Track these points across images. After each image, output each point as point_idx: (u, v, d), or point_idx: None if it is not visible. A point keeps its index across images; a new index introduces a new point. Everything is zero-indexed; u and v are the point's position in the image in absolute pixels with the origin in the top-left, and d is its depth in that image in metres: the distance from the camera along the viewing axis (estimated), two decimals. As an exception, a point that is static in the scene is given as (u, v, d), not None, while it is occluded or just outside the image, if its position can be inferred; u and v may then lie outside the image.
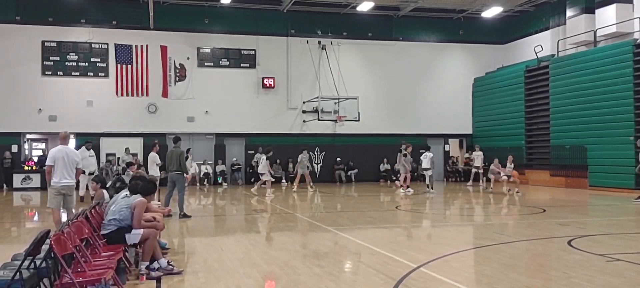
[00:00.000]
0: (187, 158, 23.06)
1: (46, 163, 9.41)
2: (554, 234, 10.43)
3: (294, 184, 22.58)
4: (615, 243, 9.45)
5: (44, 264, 5.25)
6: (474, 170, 21.31)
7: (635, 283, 6.64)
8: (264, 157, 19.95)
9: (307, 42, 27.33)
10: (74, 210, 9.15)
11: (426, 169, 20.81)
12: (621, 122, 20.09)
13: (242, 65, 26.74)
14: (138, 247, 7.34)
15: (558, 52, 24.32)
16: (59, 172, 9.18)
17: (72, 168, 9.29)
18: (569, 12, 24.02)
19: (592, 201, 17.77)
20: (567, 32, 24.03)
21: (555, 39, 24.81)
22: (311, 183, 22.45)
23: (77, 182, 10.07)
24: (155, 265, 6.96)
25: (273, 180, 20.71)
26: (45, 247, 5.29)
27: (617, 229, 11.25)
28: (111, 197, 8.63)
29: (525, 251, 9.00)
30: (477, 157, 20.76)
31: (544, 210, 14.54)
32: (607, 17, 21.68)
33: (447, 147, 29.40)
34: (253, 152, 26.08)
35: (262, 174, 19.91)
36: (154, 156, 15.30)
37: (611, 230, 11.05)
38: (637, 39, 20.23)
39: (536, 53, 25.05)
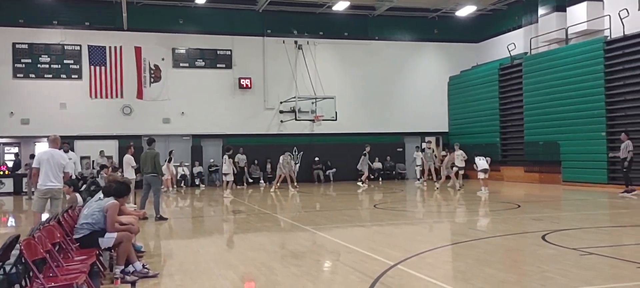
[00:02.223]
0: (170, 160, 23.00)
1: (32, 166, 9.29)
2: (528, 229, 10.58)
3: (274, 184, 22.49)
4: (588, 238, 9.63)
5: (14, 270, 5.13)
6: (455, 169, 21.38)
7: (607, 277, 6.77)
8: (226, 156, 19.88)
9: (284, 41, 27.29)
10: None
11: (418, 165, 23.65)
12: (593, 118, 20.47)
13: (218, 65, 26.58)
14: (112, 250, 7.24)
15: (531, 49, 24.68)
16: (43, 174, 9.03)
17: (58, 171, 9.12)
18: (541, 11, 24.39)
19: (566, 196, 18.07)
20: (539, 30, 24.41)
21: (528, 37, 25.19)
22: (295, 183, 22.40)
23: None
24: (130, 268, 6.87)
25: (233, 181, 20.68)
26: (15, 252, 5.19)
27: (590, 223, 11.46)
28: (85, 200, 8.51)
29: (499, 246, 9.12)
30: (459, 157, 20.86)
31: (519, 206, 14.74)
32: (578, 15, 22.06)
33: (423, 146, 29.56)
34: (231, 151, 25.88)
35: (225, 174, 19.87)
36: (129, 158, 15.11)
37: (584, 224, 11.25)
38: (608, 36, 20.64)
39: (509, 51, 25.40)
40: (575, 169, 21.31)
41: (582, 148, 20.92)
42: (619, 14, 19.64)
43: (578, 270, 6.84)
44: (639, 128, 18.66)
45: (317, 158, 27.29)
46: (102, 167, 18.28)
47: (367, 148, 23.29)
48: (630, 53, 19.31)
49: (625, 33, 19.52)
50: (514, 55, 25.32)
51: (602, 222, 11.96)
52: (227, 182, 20.00)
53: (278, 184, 22.32)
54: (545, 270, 6.84)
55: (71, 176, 14.76)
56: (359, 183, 22.89)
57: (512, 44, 25.49)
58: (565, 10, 22.89)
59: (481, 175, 19.40)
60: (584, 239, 9.37)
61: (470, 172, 27.14)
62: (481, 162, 19.42)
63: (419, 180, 24.19)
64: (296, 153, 26.82)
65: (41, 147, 9.21)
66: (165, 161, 22.18)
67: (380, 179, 26.11)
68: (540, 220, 11.73)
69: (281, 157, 22.33)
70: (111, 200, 6.99)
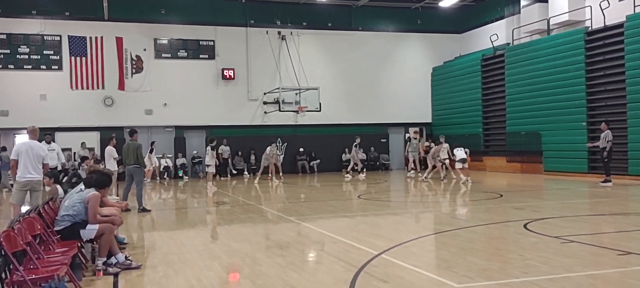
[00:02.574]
0: (151, 151, 22.79)
1: (11, 158, 9.14)
2: (510, 218, 10.69)
3: (257, 175, 22.41)
4: (569, 226, 9.76)
5: (-7, 262, 5.06)
6: (439, 163, 21.37)
7: (587, 263, 6.87)
8: (209, 148, 19.74)
9: (267, 32, 27.14)
10: None
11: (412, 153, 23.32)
12: (574, 108, 20.70)
13: (200, 56, 26.37)
14: (94, 242, 7.16)
15: (513, 40, 24.85)
16: (23, 166, 8.89)
17: (37, 162, 8.99)
18: (523, 1, 24.56)
19: (547, 185, 18.29)
20: (522, 20, 24.58)
21: (510, 28, 25.35)
22: (280, 174, 22.35)
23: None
24: (113, 260, 6.81)
25: (214, 173, 20.52)
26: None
27: (571, 212, 11.61)
28: (66, 192, 8.40)
29: (482, 235, 9.20)
30: (444, 149, 20.86)
31: (501, 195, 14.89)
32: (559, 6, 22.25)
33: (407, 136, 29.67)
34: (215, 143, 25.72)
35: (208, 166, 19.72)
36: (111, 150, 14.94)
37: (565, 213, 11.40)
38: (589, 27, 20.85)
39: (492, 42, 25.55)
40: (557, 159, 21.56)
41: (563, 138, 21.16)
42: (599, 5, 19.84)
43: (559, 258, 6.92)
44: (619, 118, 18.91)
45: (301, 149, 27.26)
46: (84, 158, 18.08)
47: (358, 140, 23.44)
48: (610, 44, 19.54)
49: (606, 24, 19.73)
50: (497, 46, 25.48)
51: (582, 211, 12.13)
52: (210, 174, 19.86)
53: (260, 175, 22.23)
54: (527, 258, 6.91)
55: (55, 167, 14.60)
56: (361, 175, 23.32)
57: (494, 34, 25.64)
58: (547, 1, 23.08)
59: (458, 166, 19.51)
60: (565, 227, 9.49)
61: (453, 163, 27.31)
62: (459, 152, 19.57)
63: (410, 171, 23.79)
64: (280, 144, 26.77)
65: (21, 139, 9.04)
66: (147, 152, 21.99)
67: (364, 171, 26.12)
68: (522, 209, 11.86)
69: (268, 148, 22.24)
70: (92, 191, 6.90)
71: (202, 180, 21.00)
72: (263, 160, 22.27)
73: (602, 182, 17.00)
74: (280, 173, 22.35)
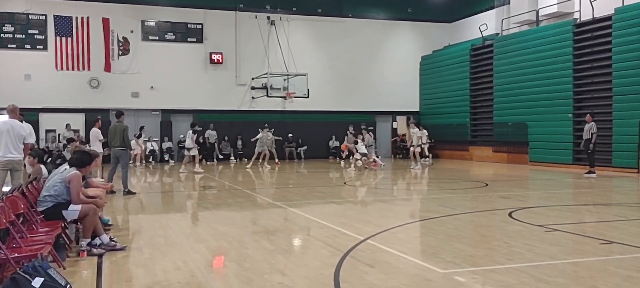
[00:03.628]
0: (140, 136, 22.61)
1: None
2: (496, 207, 10.77)
3: (253, 160, 22.27)
4: (553, 215, 9.85)
5: (-25, 241, 4.99)
6: (411, 149, 21.32)
7: (571, 251, 6.94)
8: (190, 131, 19.61)
9: (256, 17, 26.94)
10: None
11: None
12: (561, 99, 20.85)
13: (188, 39, 26.13)
14: (78, 223, 7.09)
15: (502, 31, 24.92)
16: (3, 146, 8.72)
17: (18, 142, 8.83)
18: (513, -8, 24.62)
19: (532, 175, 18.44)
20: (511, 11, 24.64)
21: (500, 18, 25.41)
22: (276, 160, 22.42)
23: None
24: (97, 241, 6.74)
25: (200, 156, 20.39)
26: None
27: (555, 202, 11.72)
28: (50, 172, 8.30)
29: (468, 222, 9.26)
30: (415, 135, 20.92)
31: (487, 185, 14.99)
32: (549, -3, 22.33)
33: (395, 125, 29.80)
34: (201, 128, 25.55)
35: (189, 149, 19.59)
36: (96, 132, 14.78)
37: (549, 202, 11.51)
38: (577, 19, 20.95)
39: (481, 32, 25.60)
40: (542, 150, 21.73)
41: (549, 130, 21.33)
42: (588, -3, 19.94)
43: (543, 245, 6.99)
44: (604, 110, 19.08)
45: (290, 135, 27.19)
46: (69, 140, 17.87)
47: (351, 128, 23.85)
48: (598, 36, 19.65)
49: (594, 16, 19.84)
50: (486, 36, 25.54)
51: (566, 201, 12.25)
52: (193, 157, 19.69)
53: (254, 161, 22.11)
54: (512, 245, 6.97)
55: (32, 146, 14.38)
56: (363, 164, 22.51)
57: (484, 24, 25.69)
58: (536, -8, 23.13)
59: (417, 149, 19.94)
60: (549, 216, 9.58)
61: (441, 152, 27.51)
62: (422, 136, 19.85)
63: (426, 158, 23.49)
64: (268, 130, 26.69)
65: (3, 119, 8.86)
66: (135, 136, 21.84)
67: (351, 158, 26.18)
68: (508, 198, 11.95)
69: (261, 133, 22.14)
70: (73, 171, 6.80)
71: (188, 165, 20.87)
72: (258, 145, 22.15)
73: (586, 173, 17.18)
74: (276, 159, 22.41)
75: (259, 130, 22.80)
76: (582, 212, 10.78)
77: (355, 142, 21.00)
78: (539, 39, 21.99)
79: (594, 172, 17.07)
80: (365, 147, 20.42)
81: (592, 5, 19.79)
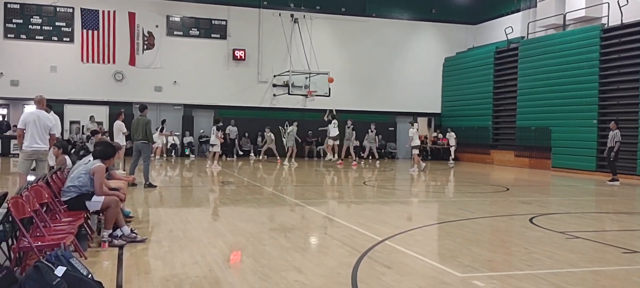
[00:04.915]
0: (162, 129, 22.92)
1: (17, 127, 9.12)
2: (516, 212, 10.66)
3: (288, 157, 22.41)
4: (575, 222, 9.71)
5: (1, 227, 5.09)
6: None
7: (592, 259, 6.84)
8: (214, 127, 19.73)
9: (280, 14, 27.02)
10: None
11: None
12: (585, 105, 20.53)
13: (212, 35, 26.32)
14: (100, 214, 7.20)
15: (528, 34, 24.62)
16: (29, 136, 8.88)
17: (44, 132, 8.98)
18: (540, -5, 24.30)
19: (554, 181, 18.20)
20: (538, 14, 24.31)
21: (526, 21, 25.09)
22: (293, 158, 22.55)
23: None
24: (118, 232, 6.84)
25: (220, 152, 20.50)
26: (2, 210, 5.14)
27: (577, 209, 11.55)
28: (74, 163, 8.43)
29: (488, 227, 9.17)
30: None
31: (508, 189, 14.83)
32: (577, 1, 21.97)
33: (415, 126, 29.55)
34: (222, 124, 25.64)
35: (213, 145, 19.70)
36: (119, 124, 14.97)
37: (571, 209, 11.34)
38: (605, 24, 20.59)
39: (506, 34, 25.33)
40: (565, 156, 21.43)
41: (573, 135, 21.02)
42: (618, 1, 19.58)
43: (564, 253, 6.89)
44: (630, 118, 18.75)
45: (310, 133, 27.20)
46: (94, 132, 18.14)
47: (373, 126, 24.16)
48: (626, 42, 19.31)
49: (623, 21, 19.49)
50: (511, 39, 25.26)
51: (588, 208, 12.06)
52: (214, 154, 19.84)
53: (290, 156, 22.26)
54: (532, 251, 6.89)
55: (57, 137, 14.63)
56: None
57: (509, 27, 25.41)
58: (564, -4, 22.80)
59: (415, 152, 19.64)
60: (571, 223, 9.45)
61: (462, 155, 27.32)
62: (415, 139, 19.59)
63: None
64: (288, 127, 26.77)
65: (30, 110, 9.05)
66: (157, 130, 22.10)
67: (370, 158, 26.14)
68: (529, 204, 11.81)
69: (289, 128, 22.31)
70: (97, 163, 6.91)
71: (212, 160, 20.98)
72: (287, 139, 22.35)
73: (609, 181, 16.90)
74: (277, 156, 22.70)
75: (286, 124, 23.05)
76: (604, 220, 10.61)
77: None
78: (565, 44, 21.68)
79: (617, 180, 16.78)
80: (346, 140, 21.40)
81: (621, 11, 19.44)
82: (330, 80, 25.47)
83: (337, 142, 22.34)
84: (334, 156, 22.34)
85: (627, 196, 14.32)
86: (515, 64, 24.33)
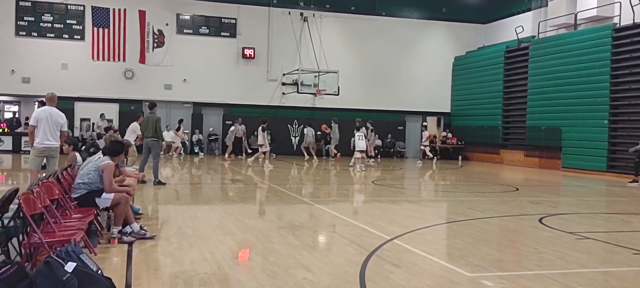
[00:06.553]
0: (178, 129, 23.15)
1: (29, 124, 9.20)
2: (526, 212, 10.60)
3: (312, 156, 23.28)
4: (585, 223, 9.65)
5: (12, 223, 5.14)
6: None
7: (602, 260, 6.79)
8: (260, 128, 19.84)
9: (289, 13, 27.04)
10: None
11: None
12: (596, 105, 20.37)
13: (222, 34, 26.38)
14: (110, 211, 7.24)
15: (539, 33, 24.47)
16: (41, 132, 8.96)
17: (55, 129, 9.06)
18: (551, -6, 24.14)
19: (564, 182, 18.08)
20: (549, 13, 24.16)
21: (537, 21, 24.94)
22: (306, 157, 22.76)
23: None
24: (128, 229, 6.88)
25: (268, 149, 20.43)
26: (13, 206, 5.18)
27: (587, 209, 11.47)
28: (84, 160, 8.48)
29: (497, 227, 9.13)
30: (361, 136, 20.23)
31: (517, 189, 14.76)
32: (588, 0, 21.81)
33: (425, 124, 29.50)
34: (230, 122, 25.75)
35: (261, 145, 19.80)
36: (135, 126, 14.92)
37: (581, 210, 11.27)
38: (617, 24, 20.42)
39: (517, 34, 25.18)
40: (576, 156, 21.29)
41: (584, 135, 20.87)
42: (629, 1, 19.41)
43: (574, 253, 6.85)
44: (641, 118, 18.59)
45: (318, 133, 27.17)
46: (106, 129, 18.21)
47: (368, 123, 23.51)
48: (638, 41, 19.13)
49: (635, 21, 19.32)
50: (522, 38, 25.12)
51: (599, 209, 11.98)
52: (265, 153, 19.84)
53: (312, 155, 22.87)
54: (542, 252, 6.85)
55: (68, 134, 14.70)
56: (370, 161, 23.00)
57: (520, 26, 25.27)
58: (575, -5, 22.64)
59: (358, 155, 19.17)
60: (581, 224, 9.39)
61: (472, 155, 27.23)
62: (360, 142, 19.22)
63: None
64: (297, 126, 26.81)
65: (41, 107, 9.16)
66: (174, 129, 22.44)
67: (379, 157, 26.07)
68: (538, 204, 11.74)
69: (306, 130, 23.01)
70: (107, 160, 6.95)
71: (217, 158, 20.99)
72: (305, 141, 23.15)
73: (630, 182, 16.67)
74: (274, 155, 23.00)
75: (302, 125, 23.47)
76: (615, 220, 10.52)
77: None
78: (576, 43, 21.52)
79: (637, 182, 16.53)
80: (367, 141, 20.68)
81: (632, 10, 19.27)
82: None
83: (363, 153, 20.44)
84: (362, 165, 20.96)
85: (638, 197, 14.19)
86: (526, 63, 24.18)
